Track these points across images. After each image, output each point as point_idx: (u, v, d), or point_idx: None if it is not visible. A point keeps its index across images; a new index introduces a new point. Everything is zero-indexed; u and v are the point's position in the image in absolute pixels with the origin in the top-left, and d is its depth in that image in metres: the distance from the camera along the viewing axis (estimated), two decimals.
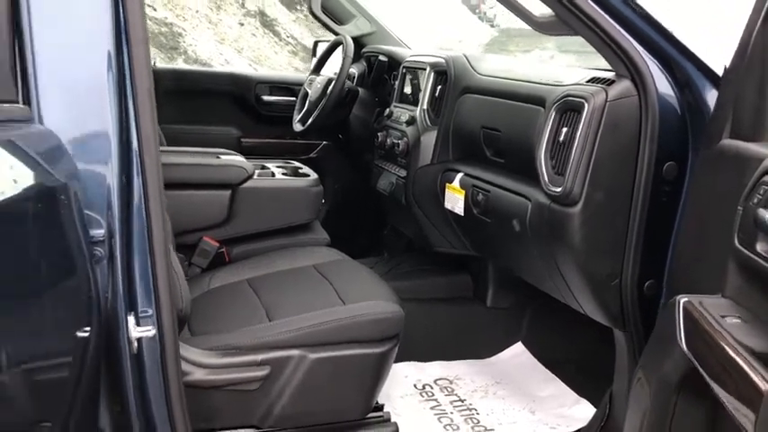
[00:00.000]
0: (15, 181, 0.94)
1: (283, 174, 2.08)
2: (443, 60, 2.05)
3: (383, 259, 2.56)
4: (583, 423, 1.78)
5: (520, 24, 1.68)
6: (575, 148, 1.45)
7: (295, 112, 2.58)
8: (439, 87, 2.05)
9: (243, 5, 10.08)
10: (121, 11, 1.08)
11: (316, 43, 3.09)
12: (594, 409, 1.80)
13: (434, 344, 2.11)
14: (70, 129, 1.05)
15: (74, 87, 1.07)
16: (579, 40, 1.49)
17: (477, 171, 1.84)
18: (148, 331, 1.13)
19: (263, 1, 10.54)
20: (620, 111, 1.43)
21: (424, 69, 2.14)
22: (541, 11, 1.54)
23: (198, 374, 1.38)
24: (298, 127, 2.52)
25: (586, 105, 1.43)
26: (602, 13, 1.42)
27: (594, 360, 1.89)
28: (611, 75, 1.49)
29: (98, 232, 1.07)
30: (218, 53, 8.60)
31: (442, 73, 2.05)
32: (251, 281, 1.76)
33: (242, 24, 9.77)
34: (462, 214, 1.87)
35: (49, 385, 1.00)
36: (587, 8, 1.41)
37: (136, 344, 1.12)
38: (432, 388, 1.97)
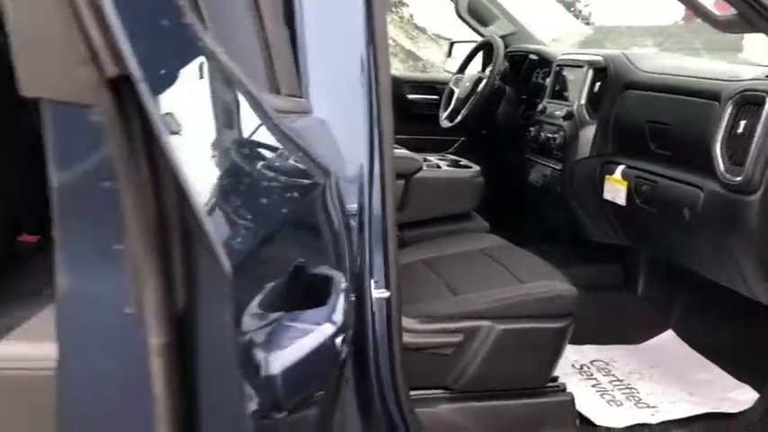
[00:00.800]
0: (302, 164, 1.13)
1: (447, 166, 2.25)
2: (602, 58, 2.15)
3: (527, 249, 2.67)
4: (745, 406, 1.84)
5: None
6: (755, 140, 1.53)
7: (441, 109, 2.75)
8: (597, 84, 2.16)
9: None
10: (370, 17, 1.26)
11: (451, 44, 3.26)
12: (757, 394, 1.85)
13: (587, 328, 2.20)
14: (334, 120, 1.24)
15: (335, 84, 1.26)
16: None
17: (641, 163, 1.93)
18: (384, 293, 1.32)
19: None
20: None
21: (581, 67, 2.25)
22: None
23: (405, 337, 1.55)
24: (445, 123, 2.67)
25: None
26: None
27: (752, 347, 1.94)
28: None
29: (352, 207, 1.26)
30: None
31: (600, 70, 2.16)
32: (427, 261, 1.93)
33: None
34: (624, 204, 1.97)
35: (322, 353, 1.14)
36: None
37: (375, 305, 1.31)
38: (589, 368, 2.08)
